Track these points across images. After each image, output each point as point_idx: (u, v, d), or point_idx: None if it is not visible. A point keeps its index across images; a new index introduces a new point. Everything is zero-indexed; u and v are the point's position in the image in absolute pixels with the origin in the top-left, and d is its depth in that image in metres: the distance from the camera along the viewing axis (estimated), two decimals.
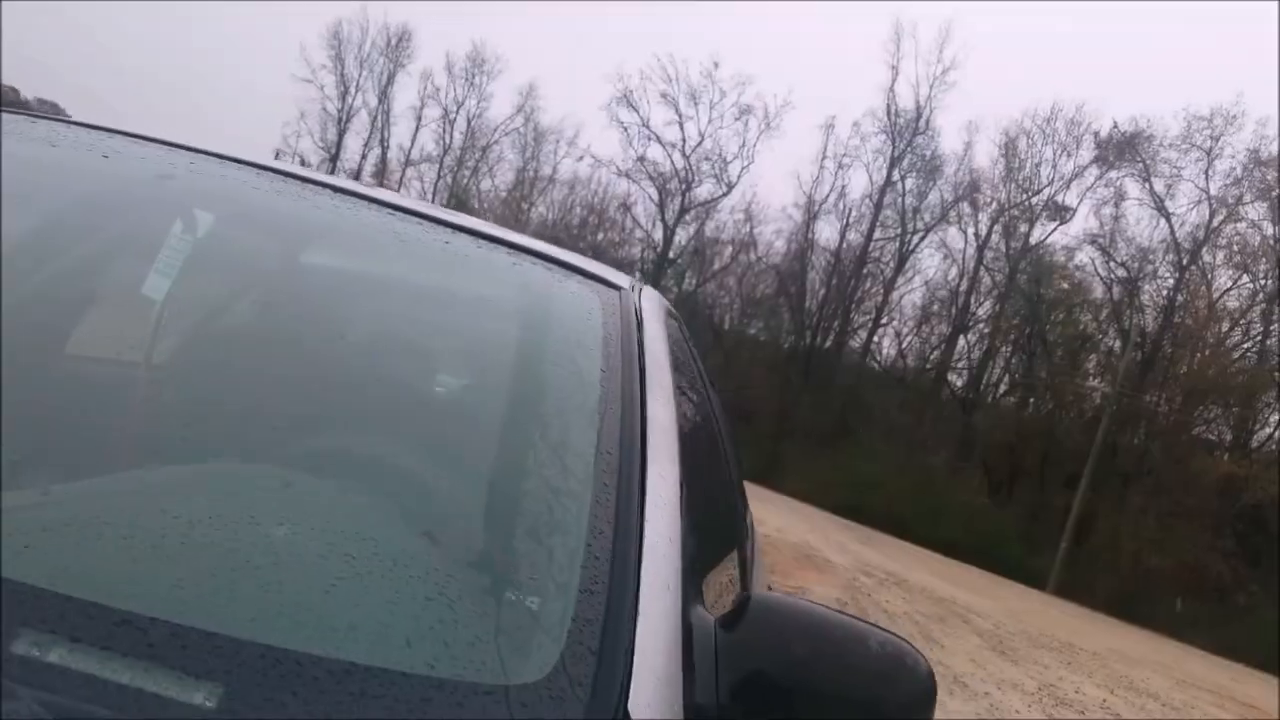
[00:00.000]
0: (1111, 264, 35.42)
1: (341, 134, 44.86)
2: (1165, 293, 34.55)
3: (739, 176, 39.32)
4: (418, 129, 44.26)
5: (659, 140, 39.95)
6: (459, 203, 39.83)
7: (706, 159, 39.70)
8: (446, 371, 1.17)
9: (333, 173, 45.02)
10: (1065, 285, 36.13)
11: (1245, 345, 33.76)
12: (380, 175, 45.29)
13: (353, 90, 44.71)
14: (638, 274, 40.36)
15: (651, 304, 1.78)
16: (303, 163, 44.86)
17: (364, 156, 45.19)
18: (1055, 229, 36.29)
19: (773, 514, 15.28)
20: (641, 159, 40.22)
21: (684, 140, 39.64)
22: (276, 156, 43.72)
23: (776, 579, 8.94)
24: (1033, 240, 36.48)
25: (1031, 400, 35.04)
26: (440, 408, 1.09)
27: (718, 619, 0.95)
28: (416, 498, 0.93)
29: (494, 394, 1.10)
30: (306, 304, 1.31)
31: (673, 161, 39.87)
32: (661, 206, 39.94)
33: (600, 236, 42.26)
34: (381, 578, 0.80)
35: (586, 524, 0.96)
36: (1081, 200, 36.03)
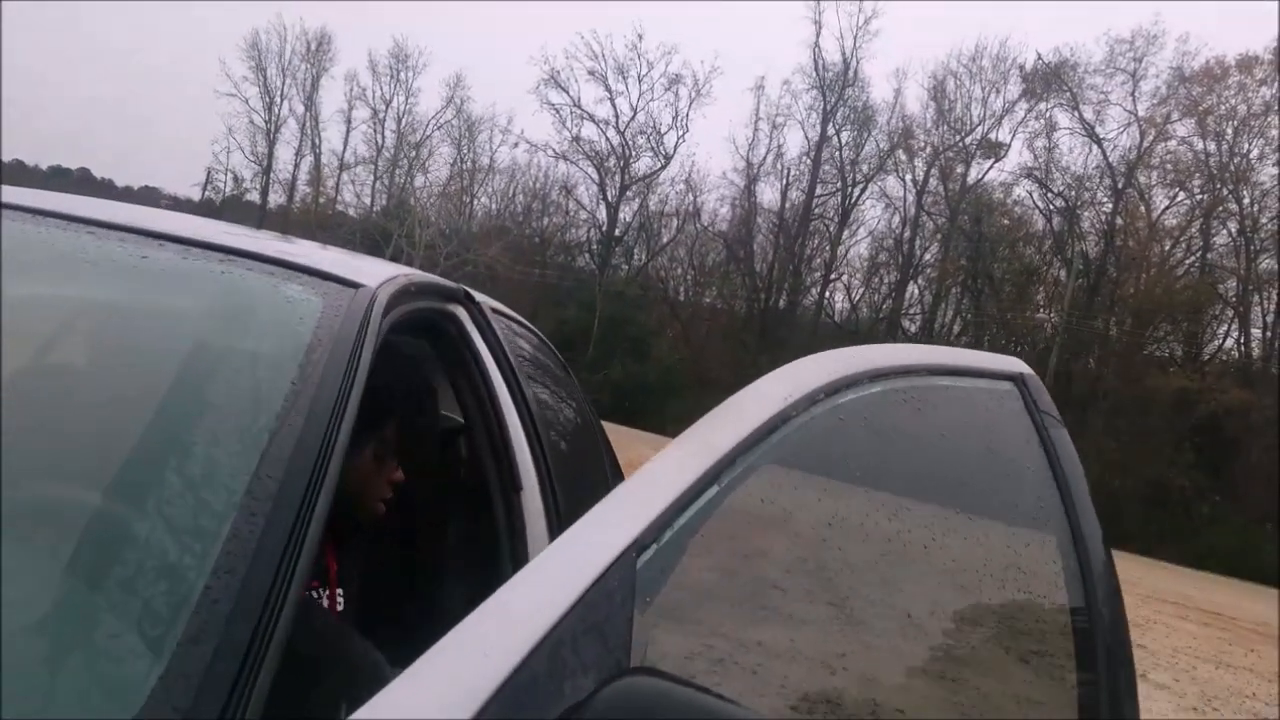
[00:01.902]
0: (1049, 195, 35.89)
1: (272, 145, 44.03)
2: (1104, 218, 35.07)
3: (676, 147, 39.22)
4: (348, 132, 43.56)
5: (592, 119, 39.66)
6: (398, 203, 39.14)
7: (641, 133, 39.50)
8: (92, 400, 1.04)
9: (266, 185, 44.09)
10: (1006, 221, 36.53)
11: (1188, 261, 34.40)
12: (315, 182, 44.54)
13: (278, 99, 43.85)
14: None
15: (422, 299, 1.65)
16: (236, 179, 44.03)
17: (297, 165, 44.41)
18: (991, 167, 36.70)
19: None
20: (577, 139, 39.91)
21: (617, 116, 39.39)
22: (209, 176, 42.02)
23: None
24: (970, 180, 36.87)
25: (985, 338, 35.43)
26: (65, 442, 0.97)
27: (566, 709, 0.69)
28: None
29: (130, 425, 0.97)
30: None
31: (608, 139, 39.61)
32: (602, 186, 39.68)
33: (545, 221, 41.97)
34: None
35: (212, 565, 0.85)
36: (1014, 135, 36.44)
